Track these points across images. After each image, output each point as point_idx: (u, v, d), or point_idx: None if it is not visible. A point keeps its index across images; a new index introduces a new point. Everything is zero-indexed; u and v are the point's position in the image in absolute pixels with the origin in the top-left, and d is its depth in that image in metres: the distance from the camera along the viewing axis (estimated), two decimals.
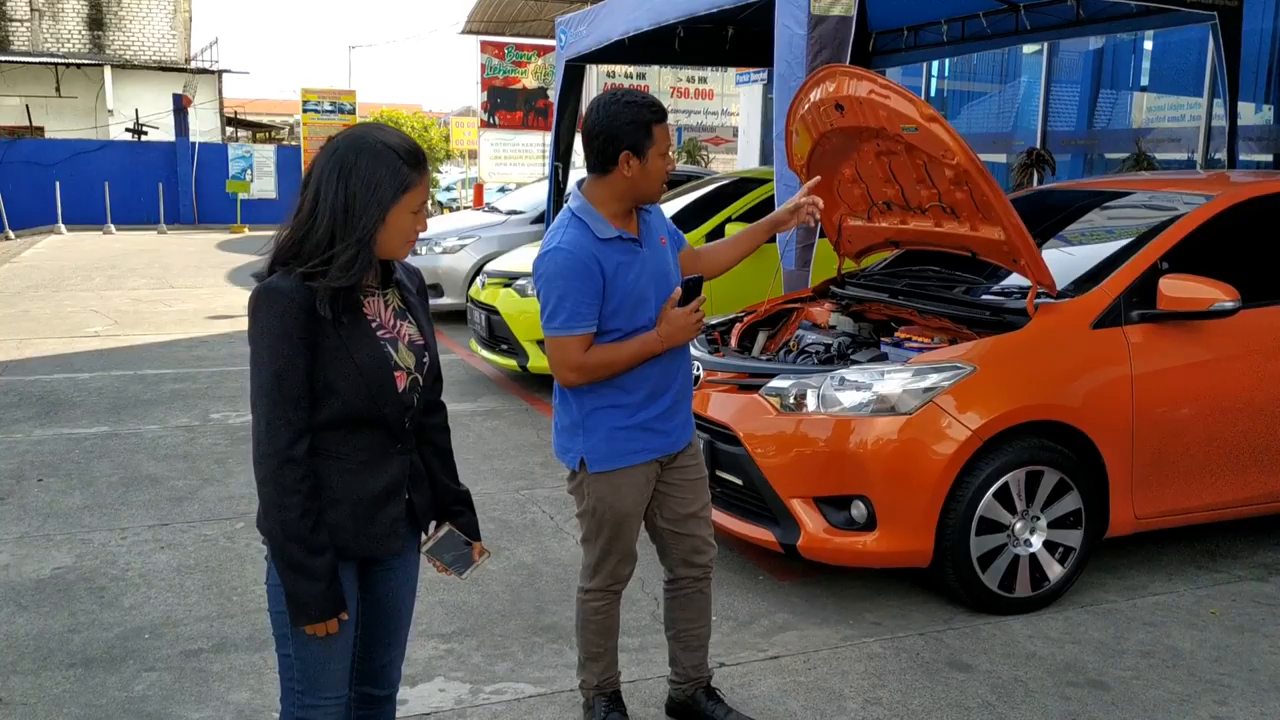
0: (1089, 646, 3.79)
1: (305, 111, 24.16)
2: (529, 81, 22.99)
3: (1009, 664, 3.65)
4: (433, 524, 2.38)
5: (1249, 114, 10.58)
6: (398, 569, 2.33)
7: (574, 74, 9.80)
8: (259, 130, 35.98)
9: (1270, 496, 4.50)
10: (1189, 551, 4.67)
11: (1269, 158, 10.36)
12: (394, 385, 2.15)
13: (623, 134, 2.73)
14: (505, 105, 23.09)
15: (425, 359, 2.24)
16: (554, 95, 10.26)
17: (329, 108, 24.67)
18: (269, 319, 2.03)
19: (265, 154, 25.47)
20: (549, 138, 10.25)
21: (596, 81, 22.55)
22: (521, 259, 8.15)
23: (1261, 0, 9.65)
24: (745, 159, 18.66)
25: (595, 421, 2.88)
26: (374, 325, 2.16)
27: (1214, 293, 4.03)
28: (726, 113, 23.67)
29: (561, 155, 9.84)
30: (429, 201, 2.20)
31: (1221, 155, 8.30)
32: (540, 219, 10.29)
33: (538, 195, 10.80)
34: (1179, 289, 4.08)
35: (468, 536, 2.40)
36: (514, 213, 10.86)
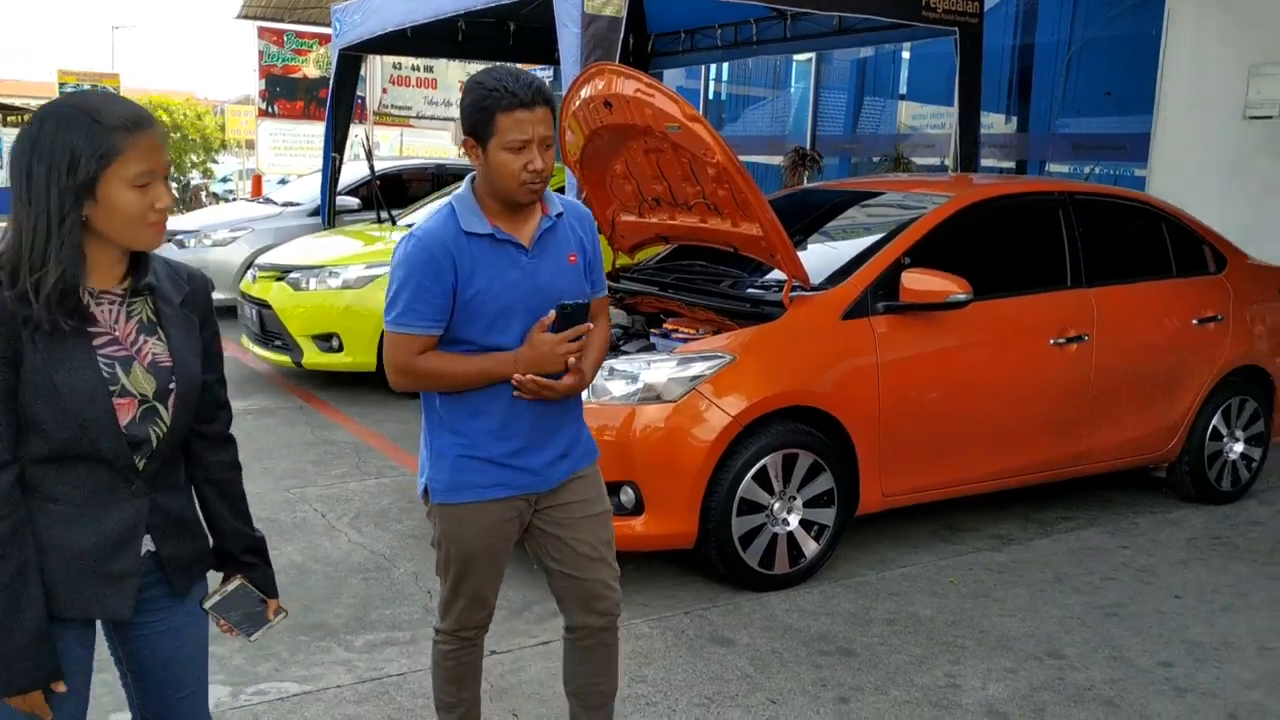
0: (840, 617, 4.04)
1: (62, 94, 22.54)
2: (310, 71, 22.25)
3: (767, 637, 3.85)
4: (221, 577, 2.07)
5: (999, 123, 11.47)
6: (163, 631, 1.98)
7: (350, 63, 9.61)
8: (10, 113, 33.27)
9: (1004, 473, 4.91)
10: (933, 525, 5.04)
11: (1012, 164, 11.25)
12: (111, 414, 1.78)
13: (464, 116, 2.38)
14: (285, 94, 22.26)
15: (173, 384, 1.86)
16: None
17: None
18: None
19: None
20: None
21: (381, 73, 22.08)
22: (295, 252, 7.92)
23: (1003, 19, 10.47)
24: None
25: (442, 446, 2.53)
26: (101, 340, 1.80)
27: (949, 286, 4.37)
28: None
29: (337, 146, 9.63)
30: (163, 176, 1.81)
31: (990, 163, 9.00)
32: (317, 211, 10.00)
33: (316, 187, 10.49)
34: (918, 282, 4.40)
35: (261, 593, 2.10)
36: (290, 204, 10.52)
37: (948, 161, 11.07)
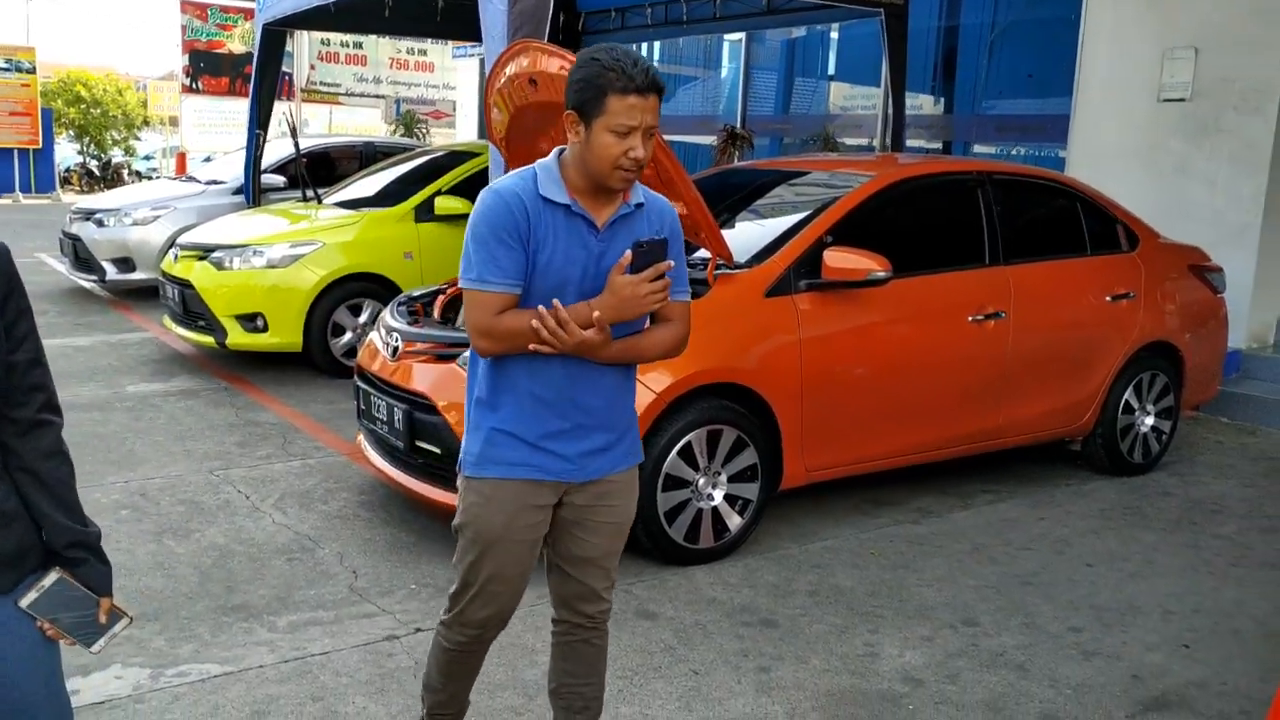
0: (763, 590, 4.11)
1: None
2: (235, 46, 21.83)
3: (691, 610, 3.91)
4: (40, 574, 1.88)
5: (928, 105, 11.64)
6: None
7: (274, 39, 9.44)
8: None
9: (924, 447, 5.02)
10: (856, 500, 5.13)
11: (939, 145, 11.44)
12: None
13: (572, 89, 2.27)
14: (210, 70, 21.82)
15: None
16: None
17: (3, 65, 22.38)
18: None
19: None
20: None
21: (309, 49, 21.71)
22: (219, 231, 7.78)
23: (927, 1, 10.61)
24: (464, 133, 18.60)
25: (478, 419, 2.44)
26: None
27: (869, 263, 4.44)
28: (447, 86, 23.40)
29: (261, 123, 9.46)
30: None
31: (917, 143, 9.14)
32: (242, 190, 9.83)
33: (240, 165, 10.29)
34: (840, 260, 4.47)
35: (90, 589, 1.90)
36: (214, 182, 10.31)
37: (875, 142, 11.24)
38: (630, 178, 2.31)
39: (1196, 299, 6.00)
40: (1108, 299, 5.53)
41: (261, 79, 9.66)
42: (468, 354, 4.23)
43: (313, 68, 21.90)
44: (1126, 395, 5.63)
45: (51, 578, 1.85)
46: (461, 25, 10.18)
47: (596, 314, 2.27)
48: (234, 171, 10.33)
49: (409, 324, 4.72)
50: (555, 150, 2.40)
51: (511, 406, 2.39)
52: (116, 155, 27.04)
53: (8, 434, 1.83)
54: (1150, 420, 5.77)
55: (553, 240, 2.31)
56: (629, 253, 2.28)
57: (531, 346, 2.29)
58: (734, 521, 4.37)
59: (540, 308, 2.27)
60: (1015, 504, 5.23)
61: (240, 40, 21.66)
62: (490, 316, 2.30)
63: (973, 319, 4.97)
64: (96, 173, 25.95)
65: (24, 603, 1.83)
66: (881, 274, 4.44)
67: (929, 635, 3.79)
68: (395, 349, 4.59)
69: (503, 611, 2.55)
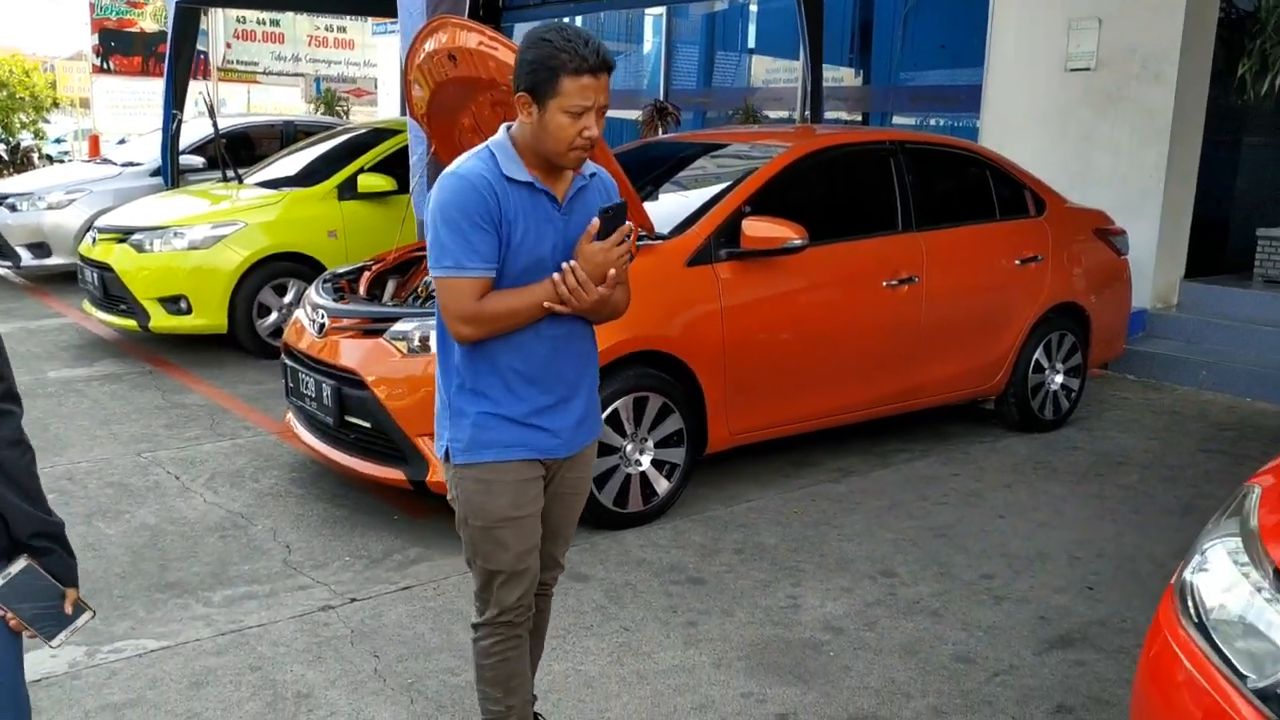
0: (691, 550, 4.24)
1: None
2: (147, 24, 21.28)
3: (621, 571, 4.03)
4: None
5: (849, 77, 11.82)
6: None
7: (187, 17, 9.29)
8: None
9: (843, 409, 5.18)
10: (779, 462, 5.29)
11: (859, 116, 11.64)
12: None
13: (524, 71, 2.26)
14: (121, 50, 21.25)
15: None
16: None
17: None
18: None
19: None
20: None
21: (225, 28, 21.26)
22: (138, 213, 7.68)
23: None
24: (386, 110, 18.41)
25: (462, 404, 2.40)
26: None
27: (786, 232, 4.57)
28: (368, 63, 23.07)
29: (178, 103, 9.32)
30: None
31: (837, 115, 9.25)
32: (159, 171, 9.67)
33: (157, 146, 10.12)
34: (758, 229, 4.59)
35: (55, 579, 1.89)
36: (130, 164, 10.13)
37: (795, 114, 11.41)
38: (584, 156, 2.33)
39: (1101, 261, 6.25)
40: (1017, 262, 5.74)
41: (176, 58, 9.51)
42: (398, 327, 4.30)
43: (229, 46, 21.46)
44: (1037, 355, 5.85)
45: (19, 565, 1.83)
46: (379, 1, 10.12)
47: (612, 272, 2.31)
48: (151, 153, 10.16)
49: (335, 300, 4.75)
50: (503, 127, 2.40)
51: (498, 388, 2.38)
52: (25, 139, 26.25)
53: None
54: (1059, 379, 6.01)
55: (523, 219, 2.31)
56: (596, 221, 2.31)
57: (546, 304, 2.31)
58: (662, 485, 4.49)
59: (555, 278, 2.31)
60: (931, 461, 5.43)
61: (153, 18, 21.13)
62: (472, 302, 2.28)
63: (887, 284, 5.14)
64: (5, 157, 25.17)
65: None
66: (798, 242, 4.58)
67: (849, 586, 3.95)
68: (322, 325, 4.62)
69: (531, 586, 2.53)
